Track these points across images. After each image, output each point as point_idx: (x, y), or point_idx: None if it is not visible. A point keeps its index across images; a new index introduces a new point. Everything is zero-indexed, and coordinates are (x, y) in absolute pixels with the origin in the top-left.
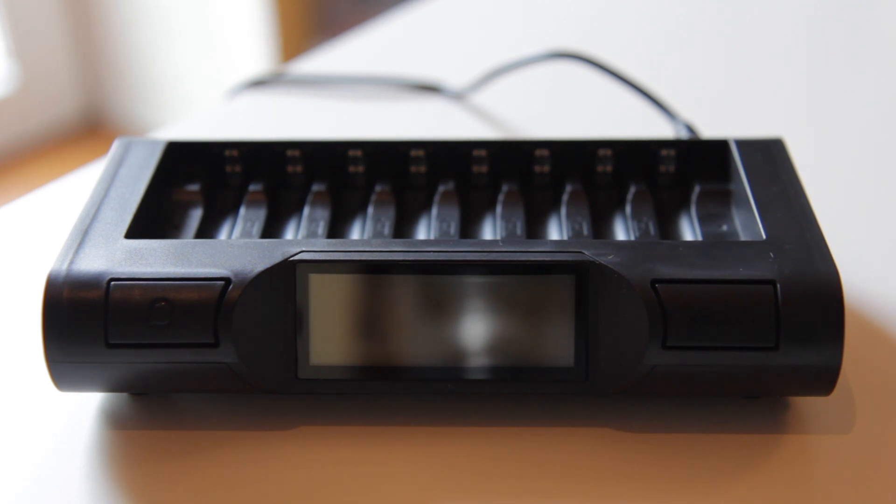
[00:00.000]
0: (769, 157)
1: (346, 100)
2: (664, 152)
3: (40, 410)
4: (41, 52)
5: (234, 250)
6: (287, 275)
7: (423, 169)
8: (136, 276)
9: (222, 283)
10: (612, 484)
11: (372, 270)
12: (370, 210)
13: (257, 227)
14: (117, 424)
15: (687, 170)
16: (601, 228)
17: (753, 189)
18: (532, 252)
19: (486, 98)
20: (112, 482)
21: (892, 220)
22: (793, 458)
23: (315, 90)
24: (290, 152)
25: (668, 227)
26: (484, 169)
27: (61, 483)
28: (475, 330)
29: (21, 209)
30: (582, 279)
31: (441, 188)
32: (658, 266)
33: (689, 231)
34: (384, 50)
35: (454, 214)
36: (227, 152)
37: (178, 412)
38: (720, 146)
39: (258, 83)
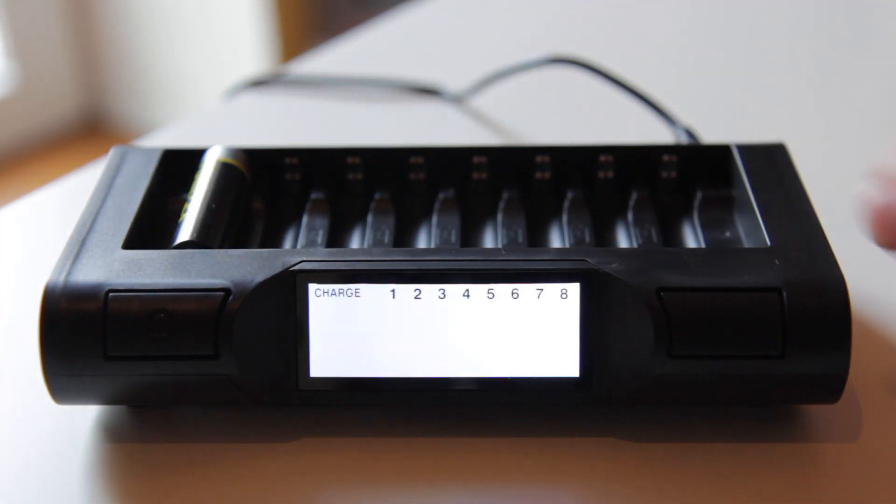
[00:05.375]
0: (772, 162)
1: (345, 101)
2: (665, 158)
3: (37, 423)
4: (41, 52)
5: (233, 260)
6: (287, 285)
7: (422, 176)
8: (135, 288)
9: (222, 293)
10: (618, 494)
11: (373, 280)
12: (370, 218)
13: (255, 237)
14: (115, 437)
15: (689, 175)
16: (603, 235)
17: (757, 195)
18: (535, 260)
19: (485, 101)
20: (110, 496)
21: None
22: (799, 466)
23: (314, 91)
24: (287, 160)
25: (670, 234)
26: (484, 176)
27: (58, 497)
28: (478, 340)
29: (21, 210)
30: (586, 287)
31: (441, 195)
32: (663, 274)
33: (691, 238)
34: (383, 51)
35: (455, 222)
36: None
37: (178, 425)
38: (722, 151)
39: (257, 83)
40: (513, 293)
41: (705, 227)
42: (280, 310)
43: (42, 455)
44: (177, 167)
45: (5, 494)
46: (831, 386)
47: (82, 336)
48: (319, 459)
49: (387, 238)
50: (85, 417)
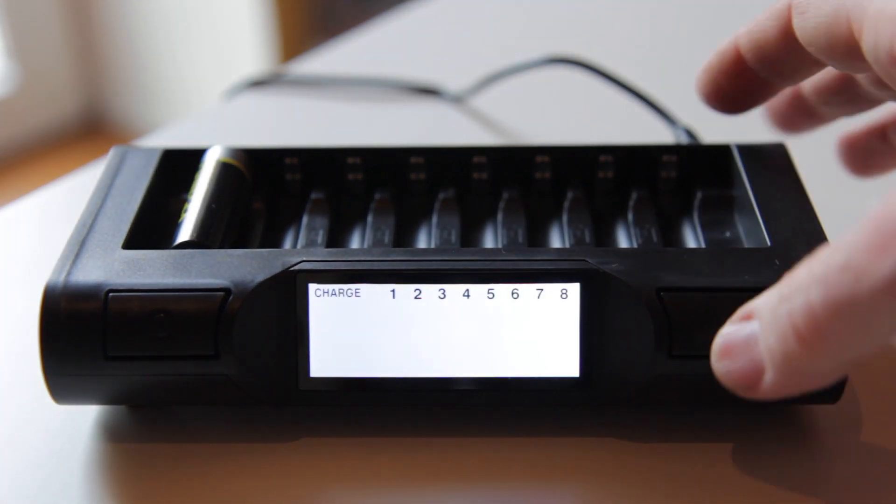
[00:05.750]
0: (772, 162)
1: (345, 101)
2: (665, 158)
3: (37, 423)
4: (41, 52)
5: (233, 260)
6: (287, 285)
7: (422, 176)
8: (135, 288)
9: (222, 293)
10: (618, 494)
11: (373, 280)
12: (370, 218)
13: (255, 237)
14: (115, 437)
15: (689, 175)
16: (603, 235)
17: (757, 195)
18: (535, 260)
19: (485, 102)
20: (110, 496)
21: None
22: (799, 466)
23: (314, 91)
24: (287, 160)
25: (670, 234)
26: (484, 176)
27: (58, 497)
28: (478, 340)
29: (21, 210)
30: (586, 288)
31: (441, 195)
32: (663, 274)
33: (691, 238)
34: (383, 51)
35: (455, 222)
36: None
37: (178, 425)
38: (722, 151)
39: (257, 83)
40: (513, 293)
41: (705, 227)
42: (280, 310)
43: (42, 455)
44: (177, 167)
45: (5, 494)
46: (831, 386)
47: (82, 336)
48: (319, 459)
49: (387, 238)
50: (85, 417)
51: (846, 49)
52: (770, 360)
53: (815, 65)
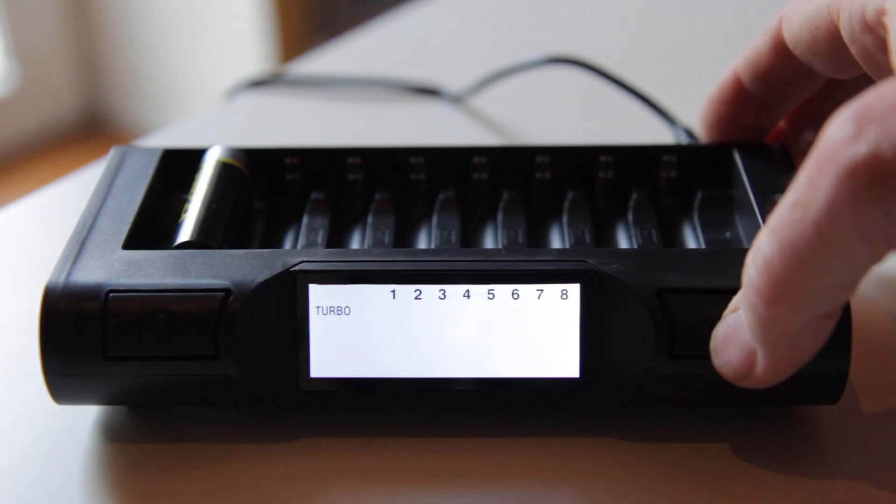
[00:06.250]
0: (771, 162)
1: (345, 101)
2: (666, 158)
3: (37, 423)
4: (41, 52)
5: (233, 261)
6: (287, 285)
7: (422, 176)
8: (135, 288)
9: (222, 293)
10: (618, 494)
11: (373, 280)
12: (370, 218)
13: (255, 237)
14: (115, 437)
15: (689, 176)
16: (603, 235)
17: (757, 195)
18: (535, 261)
19: (485, 102)
20: (110, 496)
21: None
22: (799, 466)
23: (314, 91)
24: (288, 160)
25: (670, 234)
26: (484, 176)
27: (57, 497)
28: (478, 341)
29: (21, 210)
30: (586, 288)
31: (441, 196)
32: (663, 275)
33: (691, 238)
34: (383, 51)
35: (455, 222)
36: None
37: (178, 425)
38: (722, 151)
39: (257, 83)
40: (513, 294)
41: (705, 227)
42: (280, 310)
43: (42, 455)
44: (177, 167)
45: (5, 494)
46: (831, 386)
47: (82, 336)
48: (319, 459)
49: (387, 238)
50: (85, 417)
51: (828, 39)
52: (753, 337)
53: (806, 77)
